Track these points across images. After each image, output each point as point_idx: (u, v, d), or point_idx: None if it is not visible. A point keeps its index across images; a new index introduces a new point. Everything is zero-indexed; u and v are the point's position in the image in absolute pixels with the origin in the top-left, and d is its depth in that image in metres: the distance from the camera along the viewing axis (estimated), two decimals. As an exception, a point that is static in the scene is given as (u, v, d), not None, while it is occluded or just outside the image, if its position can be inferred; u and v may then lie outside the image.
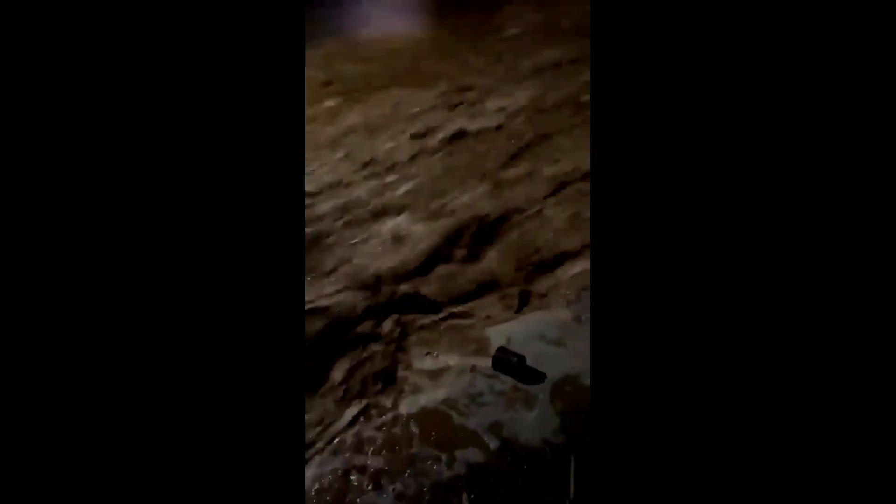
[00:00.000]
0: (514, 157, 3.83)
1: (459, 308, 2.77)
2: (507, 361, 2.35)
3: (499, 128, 4.18)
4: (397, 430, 2.21)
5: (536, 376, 2.34)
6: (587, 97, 4.42)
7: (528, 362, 2.37)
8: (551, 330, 2.57)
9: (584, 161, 3.68)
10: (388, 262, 3.01)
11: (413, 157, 3.93)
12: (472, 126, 4.23)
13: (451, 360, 2.49)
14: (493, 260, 3.02)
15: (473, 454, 2.09)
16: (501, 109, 4.43)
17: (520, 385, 2.32)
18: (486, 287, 2.87)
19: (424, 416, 2.25)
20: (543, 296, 2.77)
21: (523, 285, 2.85)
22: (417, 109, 4.53)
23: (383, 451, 2.13)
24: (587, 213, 3.21)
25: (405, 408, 2.29)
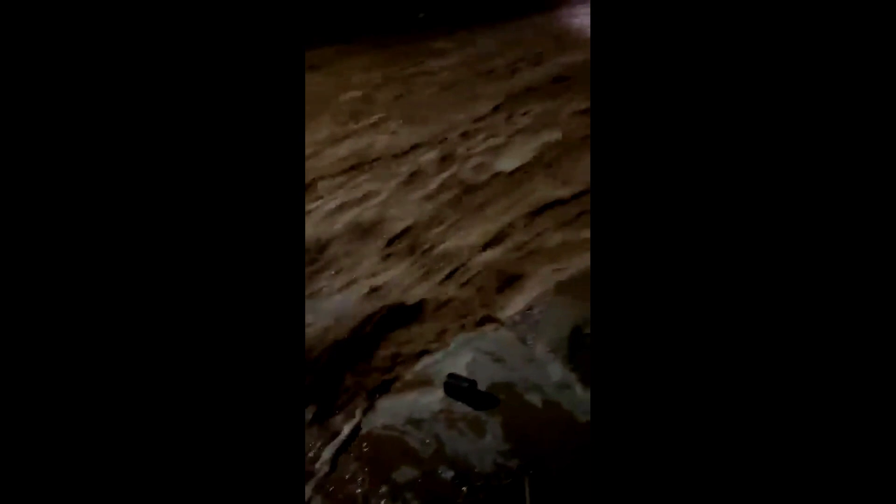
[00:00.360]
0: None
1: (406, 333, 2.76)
2: (459, 387, 2.37)
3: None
4: (346, 464, 2.17)
5: (489, 400, 2.36)
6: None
7: (478, 386, 2.39)
8: (498, 350, 2.60)
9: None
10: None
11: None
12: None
13: (398, 386, 2.47)
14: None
15: (427, 484, 2.08)
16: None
17: (470, 409, 2.34)
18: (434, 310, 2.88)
19: (374, 447, 2.22)
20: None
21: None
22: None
23: (335, 491, 2.09)
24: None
25: (350, 433, 2.26)
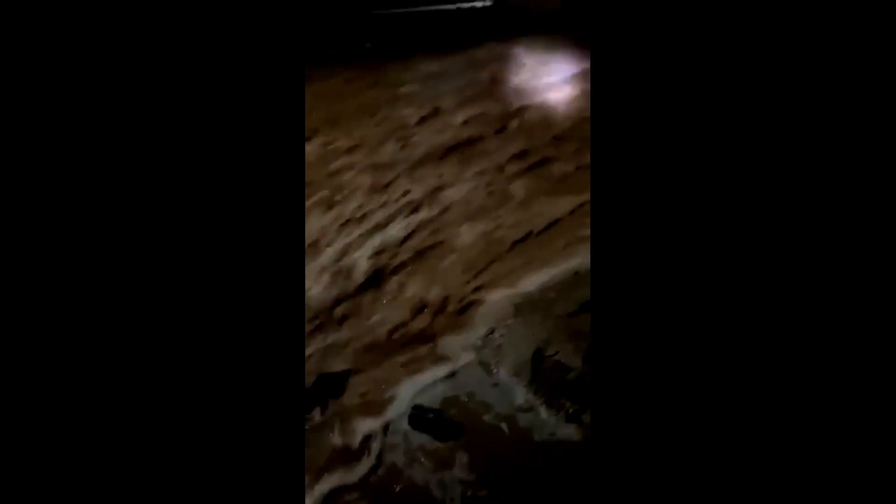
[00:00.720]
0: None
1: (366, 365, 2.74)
2: (424, 418, 2.36)
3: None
4: (318, 507, 2.13)
5: (455, 429, 2.36)
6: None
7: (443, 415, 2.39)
8: (460, 377, 2.61)
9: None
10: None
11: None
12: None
13: (365, 421, 2.45)
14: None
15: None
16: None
17: (436, 440, 2.33)
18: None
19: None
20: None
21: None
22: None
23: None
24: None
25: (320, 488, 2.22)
